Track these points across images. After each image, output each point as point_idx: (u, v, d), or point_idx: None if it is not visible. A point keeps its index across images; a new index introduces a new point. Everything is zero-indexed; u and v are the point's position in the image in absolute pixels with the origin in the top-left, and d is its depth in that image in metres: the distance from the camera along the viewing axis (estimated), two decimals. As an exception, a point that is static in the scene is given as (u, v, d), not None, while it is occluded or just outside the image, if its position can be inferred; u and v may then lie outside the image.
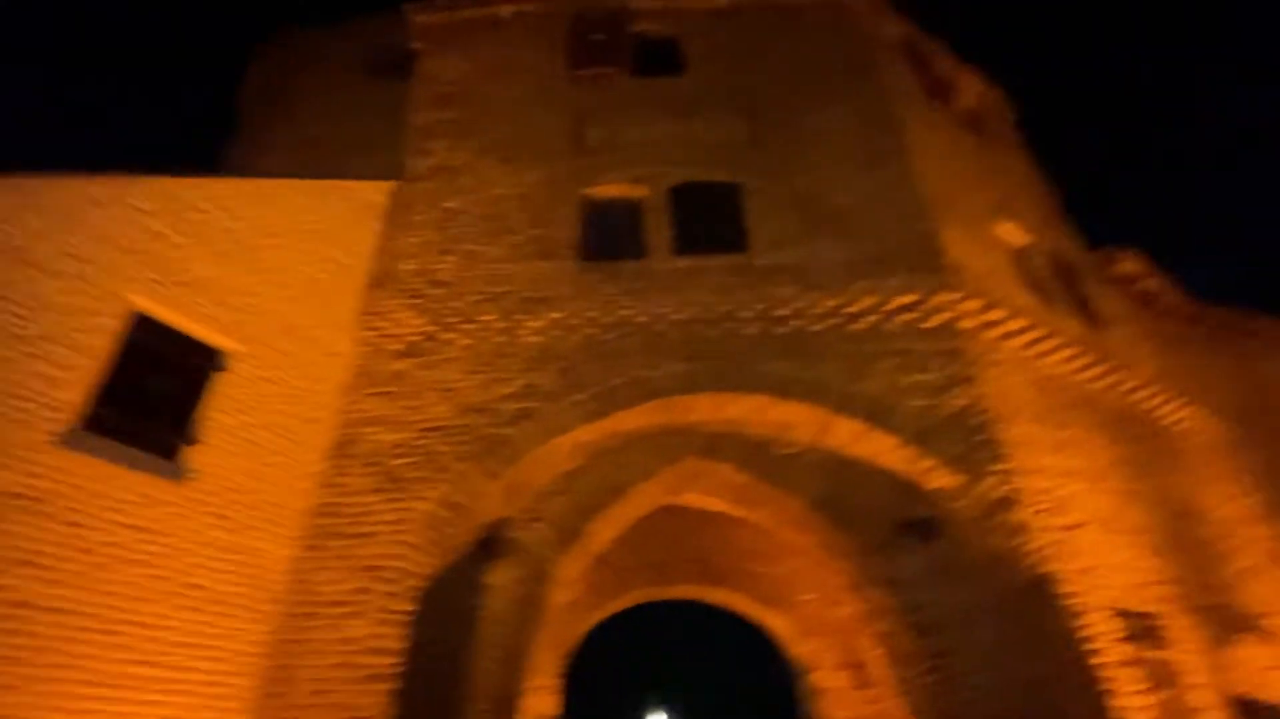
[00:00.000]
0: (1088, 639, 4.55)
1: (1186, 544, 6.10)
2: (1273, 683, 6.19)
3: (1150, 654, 4.78)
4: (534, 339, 5.62)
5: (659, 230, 6.38)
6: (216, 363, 5.01)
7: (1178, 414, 7.54)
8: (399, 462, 5.14)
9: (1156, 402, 7.35)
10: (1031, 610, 4.78)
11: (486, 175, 6.90)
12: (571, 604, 8.17)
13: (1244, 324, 9.36)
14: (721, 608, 9.16)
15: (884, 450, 5.39)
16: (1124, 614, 4.85)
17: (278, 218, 5.70)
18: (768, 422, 5.72)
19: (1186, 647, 5.15)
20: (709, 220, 6.49)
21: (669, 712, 31.64)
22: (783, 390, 5.53)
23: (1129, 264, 8.34)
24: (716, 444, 5.83)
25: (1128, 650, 4.66)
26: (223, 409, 4.89)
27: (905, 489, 5.38)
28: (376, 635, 4.49)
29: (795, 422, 5.61)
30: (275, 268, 5.52)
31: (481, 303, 5.82)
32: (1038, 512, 5.04)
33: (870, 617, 5.83)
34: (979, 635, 4.97)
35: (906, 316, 5.82)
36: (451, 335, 5.73)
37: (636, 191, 6.76)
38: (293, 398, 5.24)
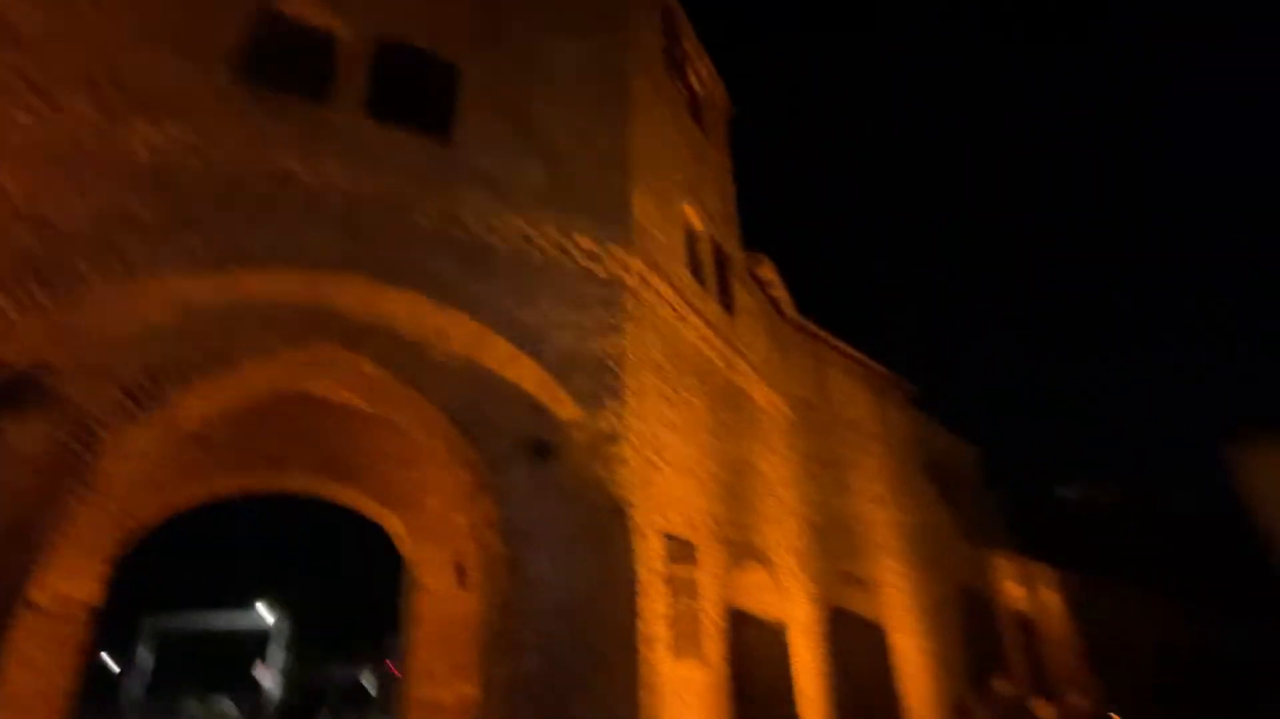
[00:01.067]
0: (641, 555, 5.48)
1: (734, 493, 7.75)
2: (765, 600, 8.32)
3: (682, 572, 5.97)
4: (144, 153, 4.48)
5: (353, 81, 5.60)
6: None
7: (763, 395, 9.49)
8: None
9: (752, 382, 9.12)
10: (607, 529, 5.58)
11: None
12: (148, 482, 7.01)
13: (823, 339, 12.17)
14: (337, 504, 8.81)
15: (528, 376, 5.67)
16: (672, 539, 5.96)
17: None
18: (424, 324, 5.55)
19: (709, 568, 6.57)
20: (414, 95, 5.93)
21: (278, 605, 30.04)
22: (446, 296, 5.41)
23: (766, 270, 10.11)
24: (362, 336, 5.46)
25: (666, 567, 5.74)
26: None
27: (537, 412, 5.76)
28: None
29: (453, 333, 5.55)
30: None
31: (75, 82, 4.41)
32: (636, 450, 5.86)
33: (477, 523, 6.18)
34: (560, 544, 5.62)
35: (582, 259, 6.15)
36: (16, 111, 4.24)
37: (336, 25, 5.81)
38: None
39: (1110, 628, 20.67)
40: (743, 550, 7.63)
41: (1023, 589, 16.81)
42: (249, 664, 27.45)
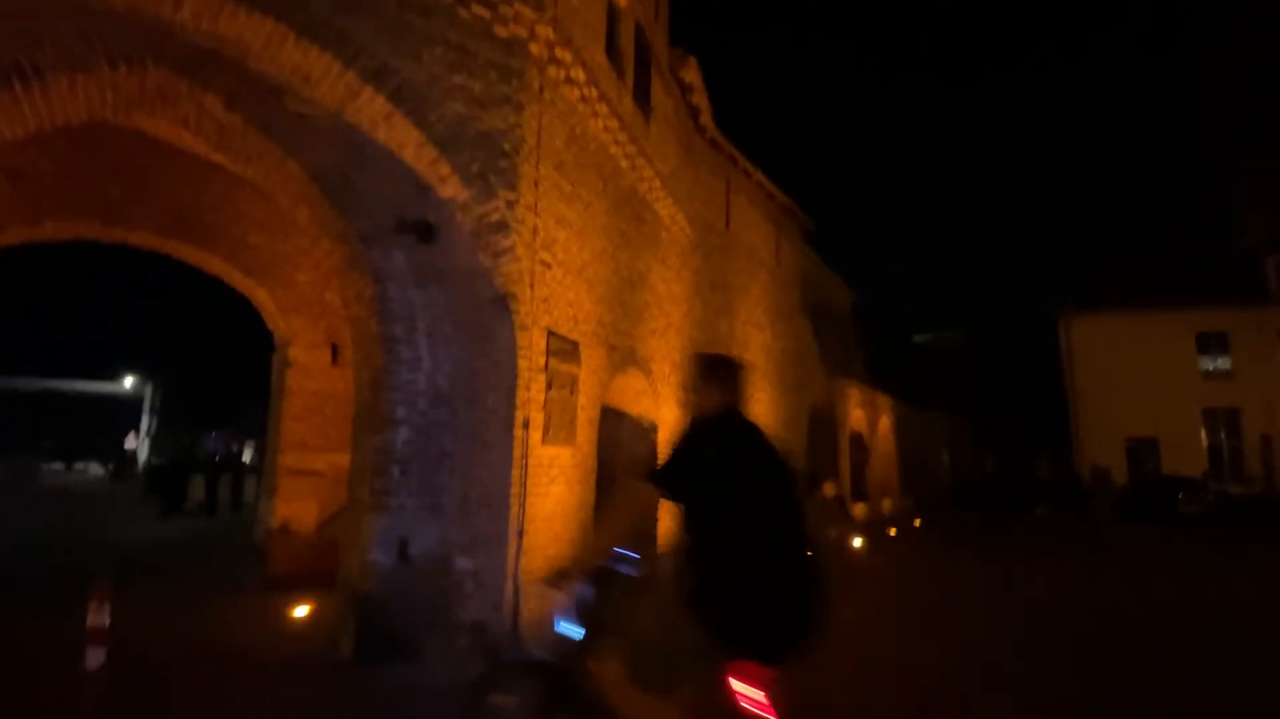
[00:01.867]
0: (523, 348, 5.48)
1: (623, 302, 7.82)
2: (640, 402, 8.84)
3: (564, 368, 6.10)
4: None
5: None
6: None
7: (668, 211, 9.29)
8: None
9: (658, 195, 8.85)
10: (490, 320, 5.48)
11: None
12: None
13: (736, 160, 11.86)
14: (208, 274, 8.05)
15: (408, 143, 5.07)
16: (556, 336, 5.99)
17: None
18: (283, 63, 4.68)
19: (590, 367, 6.76)
20: None
21: (151, 377, 28.86)
22: (309, 31, 4.53)
23: (691, 73, 9.38)
24: (205, 66, 4.55)
25: (548, 362, 5.82)
26: None
27: (419, 190, 5.26)
28: None
29: (317, 75, 4.73)
30: None
31: None
32: (526, 245, 5.61)
33: (350, 302, 5.86)
34: (440, 331, 5.50)
35: (482, 12, 5.30)
36: None
37: None
38: None
39: (921, 449, 24.33)
40: (626, 357, 7.88)
41: (863, 413, 19.08)
42: (122, 435, 26.82)
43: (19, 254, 7.01)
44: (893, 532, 15.87)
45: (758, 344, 12.91)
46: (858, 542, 13.26)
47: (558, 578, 5.30)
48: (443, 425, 5.51)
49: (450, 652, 5.05)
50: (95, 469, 28.49)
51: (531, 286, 5.63)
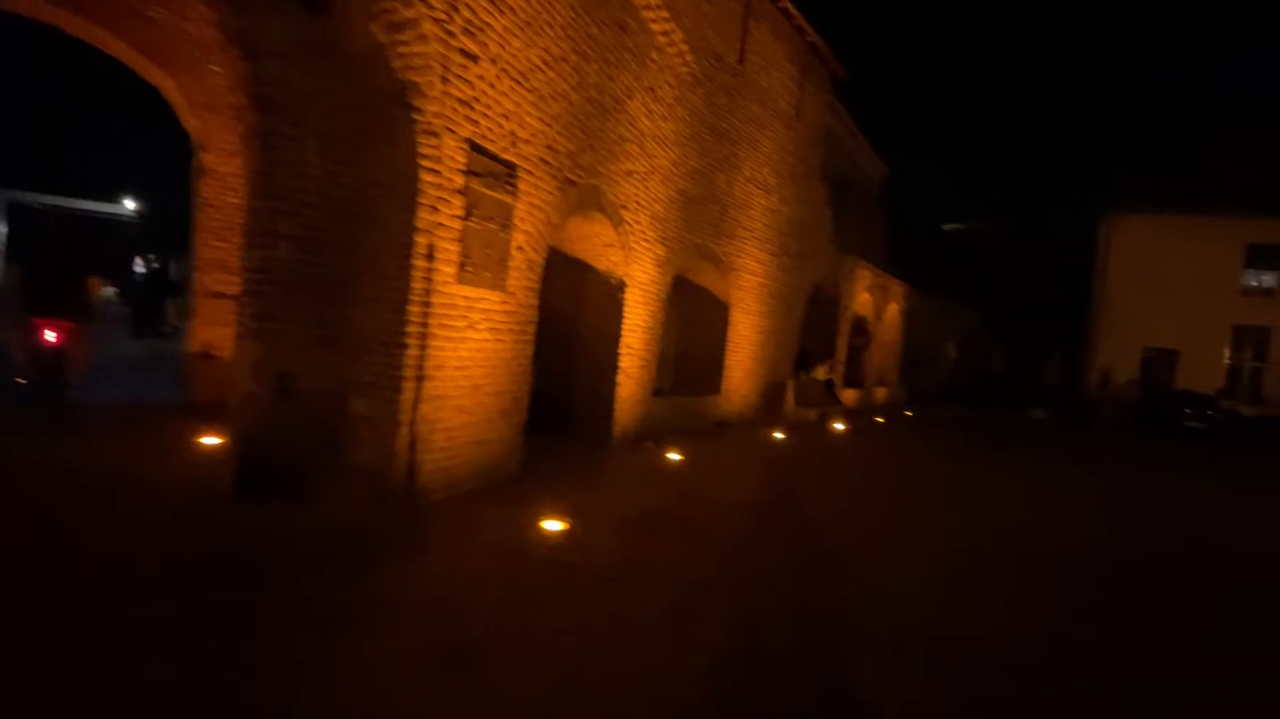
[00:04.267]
0: (429, 158, 4.48)
1: (588, 129, 6.63)
2: (606, 255, 7.89)
3: (491, 193, 5.11)
4: None
5: None
6: None
7: (664, 26, 7.77)
8: None
9: (652, 3, 7.31)
10: (387, 117, 4.44)
11: None
12: None
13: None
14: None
15: None
16: (481, 152, 4.95)
17: None
18: None
19: (533, 200, 5.76)
20: None
21: (141, 199, 28.08)
22: None
23: None
24: None
25: (465, 182, 4.83)
26: None
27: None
28: None
29: None
30: None
31: None
32: (441, 26, 4.42)
33: (232, 85, 4.80)
34: (329, 127, 4.50)
35: None
36: None
37: None
38: None
39: (929, 341, 23.46)
40: (587, 197, 6.82)
41: (870, 297, 18.01)
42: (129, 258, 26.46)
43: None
44: (880, 420, 15.40)
45: (760, 207, 11.65)
46: (840, 425, 12.79)
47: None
48: (339, 245, 4.66)
49: (342, 496, 4.56)
50: (105, 290, 28.47)
51: (445, 80, 4.50)
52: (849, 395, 16.85)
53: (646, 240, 8.36)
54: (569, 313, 8.24)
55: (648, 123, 7.96)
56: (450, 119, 4.63)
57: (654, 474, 7.04)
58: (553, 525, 4.74)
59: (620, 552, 4.46)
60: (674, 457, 7.88)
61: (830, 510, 6.46)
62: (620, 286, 8.04)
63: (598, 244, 7.81)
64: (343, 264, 4.65)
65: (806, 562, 4.81)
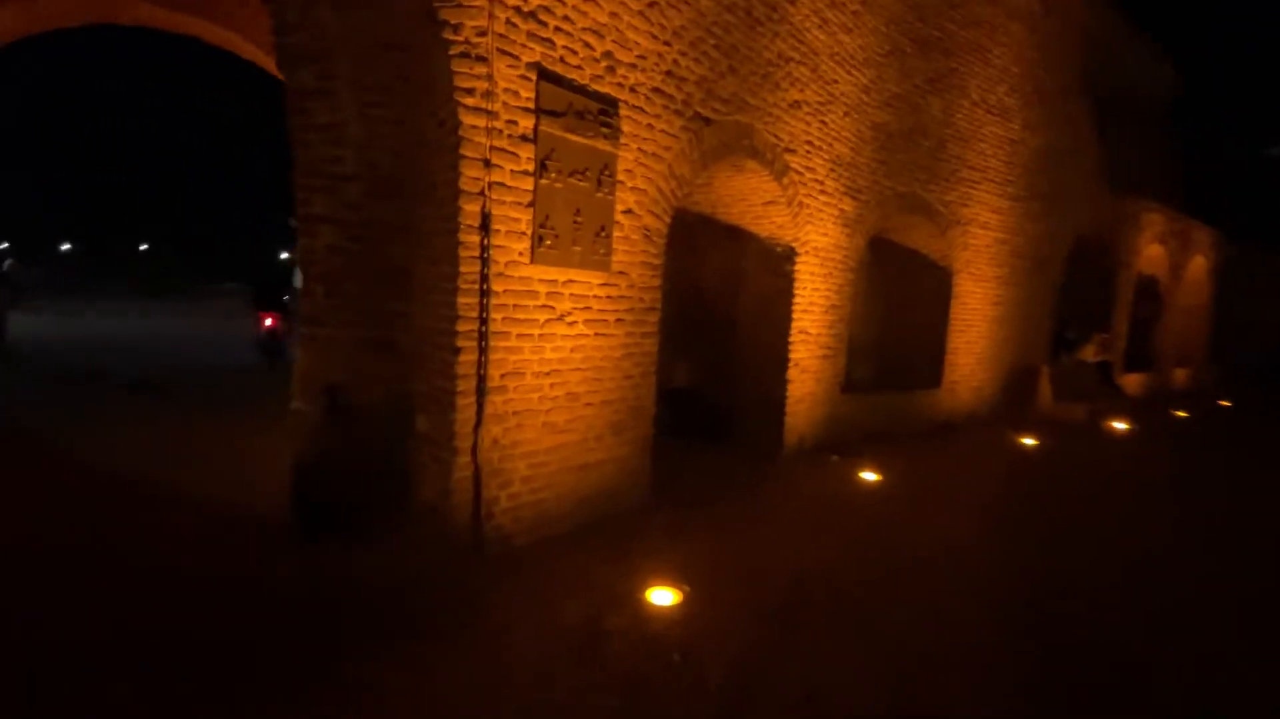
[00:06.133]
0: (471, 93, 3.29)
1: (727, 47, 4.99)
2: (768, 215, 6.20)
3: (575, 138, 3.80)
4: None
5: None
6: None
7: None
8: None
9: None
10: (420, 48, 3.33)
11: None
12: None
13: None
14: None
15: None
16: (558, 81, 3.65)
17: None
18: None
19: (643, 145, 4.33)
20: None
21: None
22: None
23: None
24: None
25: (535, 123, 3.57)
26: None
27: None
28: None
29: None
30: None
31: None
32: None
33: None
34: (367, 79, 3.53)
35: None
36: None
37: None
38: None
39: (1252, 307, 17.39)
40: (732, 139, 5.21)
41: (1163, 249, 13.51)
42: None
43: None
44: (1181, 414, 11.38)
45: (994, 138, 8.87)
46: (1120, 424, 9.47)
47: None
48: (389, 226, 3.71)
49: (405, 537, 3.65)
50: None
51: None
52: (1133, 381, 12.81)
53: (825, 193, 6.47)
54: (724, 293, 6.69)
55: (821, 36, 6.05)
56: (506, 38, 3.39)
57: (834, 503, 5.25)
58: (662, 597, 3.35)
59: (746, 653, 2.92)
60: (868, 476, 5.96)
61: (1116, 582, 4.12)
62: (789, 255, 6.28)
63: (754, 202, 6.14)
64: (395, 248, 3.69)
65: (1087, 701, 2.79)
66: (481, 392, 3.52)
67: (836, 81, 6.36)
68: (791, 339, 6.35)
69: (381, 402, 3.75)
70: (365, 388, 3.79)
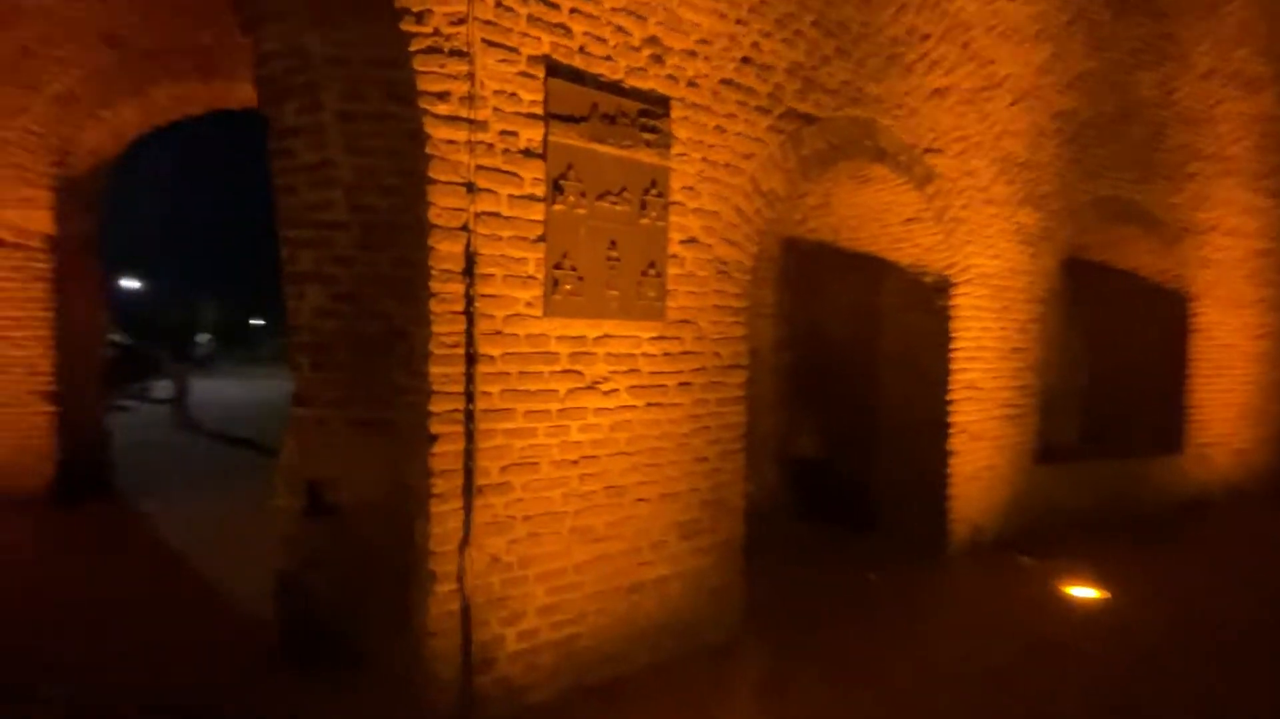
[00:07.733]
0: (428, 91, 2.49)
1: (845, 26, 3.83)
2: (909, 237, 4.80)
3: (603, 148, 2.85)
4: None
5: None
6: None
7: None
8: None
9: None
10: (403, 56, 2.62)
11: None
12: (68, 97, 5.75)
13: None
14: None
15: None
16: (573, 78, 2.75)
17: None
18: None
19: (710, 156, 3.27)
20: None
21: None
22: None
23: None
24: None
25: (543, 133, 2.68)
26: None
27: None
28: None
29: None
30: None
31: None
32: None
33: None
34: (355, 109, 2.90)
35: None
36: None
37: None
38: None
39: None
40: (847, 138, 3.98)
41: None
42: None
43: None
44: None
45: (1236, 117, 6.61)
46: None
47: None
48: (383, 282, 2.99)
49: (381, 691, 2.81)
50: None
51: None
52: None
53: (992, 203, 4.92)
54: (857, 338, 5.29)
55: (970, 5, 4.66)
56: (496, 26, 2.58)
57: (1029, 642, 3.57)
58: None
59: None
60: (1082, 592, 4.15)
61: None
62: (942, 286, 4.78)
63: (890, 221, 4.77)
64: (391, 306, 2.96)
65: None
66: (470, 493, 2.59)
67: (995, 61, 4.88)
68: (953, 395, 4.78)
69: (380, 497, 2.97)
70: (359, 479, 3.04)
